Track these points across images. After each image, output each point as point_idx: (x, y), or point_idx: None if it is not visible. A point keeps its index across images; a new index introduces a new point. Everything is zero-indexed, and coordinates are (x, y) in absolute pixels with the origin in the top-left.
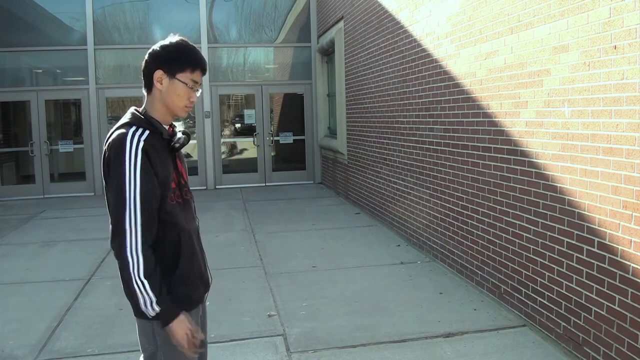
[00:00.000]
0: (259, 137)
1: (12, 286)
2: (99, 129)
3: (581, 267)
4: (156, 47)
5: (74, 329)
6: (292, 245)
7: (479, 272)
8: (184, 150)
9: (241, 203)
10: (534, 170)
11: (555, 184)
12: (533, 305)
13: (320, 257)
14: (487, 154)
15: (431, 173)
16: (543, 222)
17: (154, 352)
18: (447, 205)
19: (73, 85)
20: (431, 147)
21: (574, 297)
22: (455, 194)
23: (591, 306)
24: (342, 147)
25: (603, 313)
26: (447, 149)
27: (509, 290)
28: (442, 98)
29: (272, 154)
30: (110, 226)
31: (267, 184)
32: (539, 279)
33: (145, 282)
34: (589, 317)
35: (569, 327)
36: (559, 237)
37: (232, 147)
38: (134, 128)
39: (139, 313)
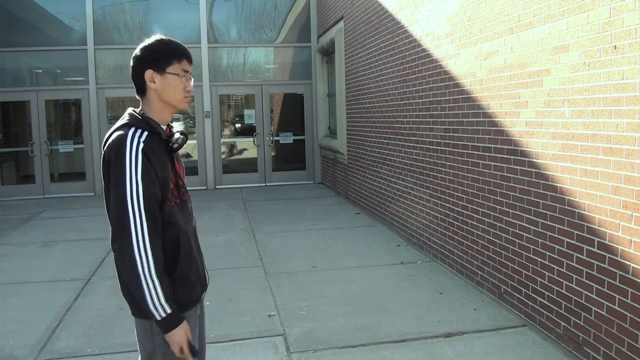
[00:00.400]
0: (259, 137)
1: (12, 286)
2: (99, 129)
3: (581, 267)
4: (137, 51)
5: (74, 329)
6: (292, 245)
7: (479, 272)
8: (183, 150)
9: (241, 203)
10: (534, 170)
11: (555, 184)
12: (533, 305)
13: (320, 257)
14: (487, 154)
15: (431, 173)
16: (543, 222)
17: (153, 351)
18: (447, 205)
19: (73, 85)
20: (431, 147)
21: (574, 297)
22: (455, 194)
23: (591, 306)
24: (342, 147)
25: (603, 313)
26: (447, 149)
27: (509, 290)
28: (442, 98)
29: (272, 154)
30: (111, 227)
31: (267, 184)
32: (539, 279)
33: (157, 281)
34: (589, 317)
35: (569, 327)
36: (559, 237)
37: (232, 147)
38: (133, 129)
39: (139, 313)
